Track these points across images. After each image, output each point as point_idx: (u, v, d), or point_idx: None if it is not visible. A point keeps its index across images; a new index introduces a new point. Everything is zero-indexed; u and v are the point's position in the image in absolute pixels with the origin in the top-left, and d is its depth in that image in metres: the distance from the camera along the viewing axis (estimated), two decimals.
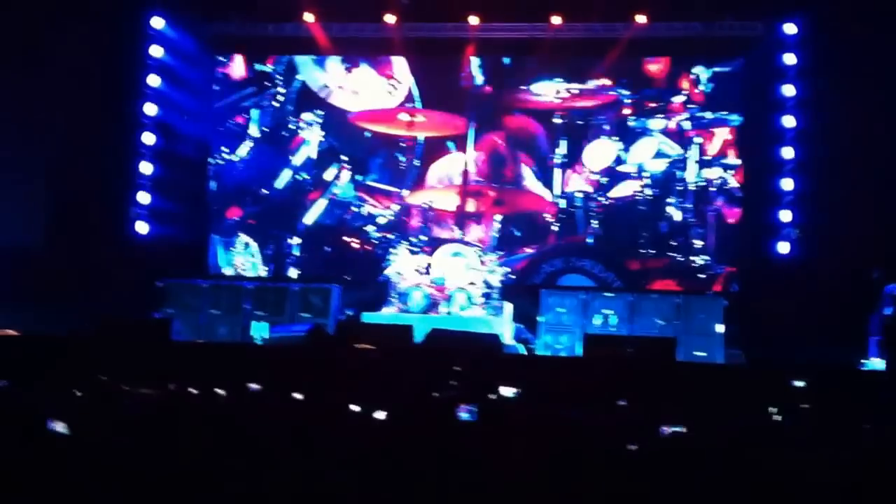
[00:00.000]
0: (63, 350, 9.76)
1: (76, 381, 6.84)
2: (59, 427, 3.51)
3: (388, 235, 14.32)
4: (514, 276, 13.74)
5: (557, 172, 14.54)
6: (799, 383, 8.00)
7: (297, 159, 15.17)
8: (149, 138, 14.42)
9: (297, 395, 7.07)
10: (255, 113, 15.39)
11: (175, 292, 13.13)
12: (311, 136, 15.17)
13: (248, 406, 5.41)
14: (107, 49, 14.05)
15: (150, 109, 14.41)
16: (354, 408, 5.61)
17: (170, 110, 14.69)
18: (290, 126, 15.25)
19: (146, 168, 14.39)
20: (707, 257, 14.03)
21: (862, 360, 11.04)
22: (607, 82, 14.57)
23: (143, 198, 14.34)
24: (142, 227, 14.27)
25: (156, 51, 14.53)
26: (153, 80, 14.46)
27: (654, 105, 14.48)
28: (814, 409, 7.10)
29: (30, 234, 14.06)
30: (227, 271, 14.86)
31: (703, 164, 14.28)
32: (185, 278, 13.38)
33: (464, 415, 5.49)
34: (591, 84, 14.62)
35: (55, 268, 13.83)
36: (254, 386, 7.18)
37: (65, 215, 14.15)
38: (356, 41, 14.94)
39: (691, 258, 14.07)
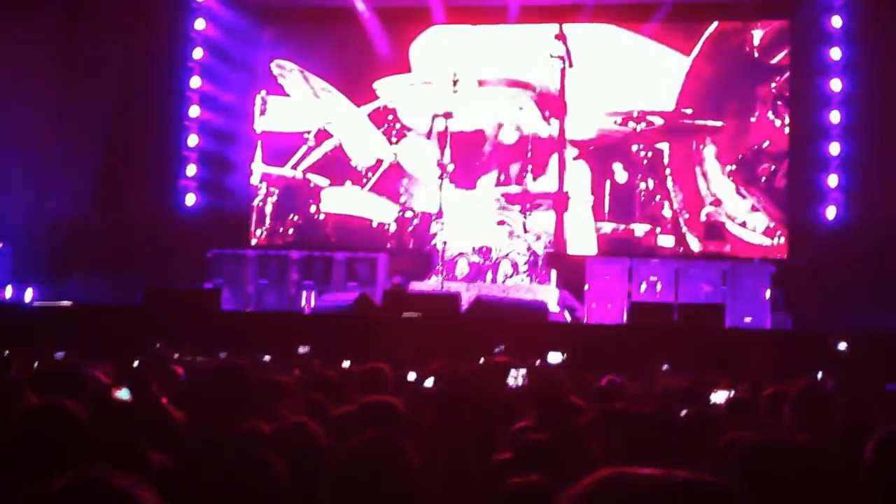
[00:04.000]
0: (116, 320, 9.99)
1: (130, 349, 7.01)
2: (122, 394, 3.61)
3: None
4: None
5: None
6: (843, 346, 7.94)
7: None
8: (195, 111, 14.56)
9: (345, 363, 7.19)
10: None
11: (224, 263, 13.23)
12: None
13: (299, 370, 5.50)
14: (152, 25, 14.16)
15: (195, 82, 14.53)
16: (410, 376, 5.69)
17: (215, 83, 14.79)
18: None
19: (193, 140, 14.55)
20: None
21: None
22: None
23: (191, 170, 14.52)
24: (190, 199, 14.46)
25: (200, 24, 14.63)
26: (198, 54, 14.57)
27: None
28: (864, 374, 7.05)
29: (79, 206, 14.27)
30: None
31: None
32: (234, 249, 13.49)
33: (511, 380, 5.55)
34: None
35: (106, 240, 14.04)
36: (303, 349, 7.30)
37: (114, 188, 14.35)
38: (398, 11, 14.87)
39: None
